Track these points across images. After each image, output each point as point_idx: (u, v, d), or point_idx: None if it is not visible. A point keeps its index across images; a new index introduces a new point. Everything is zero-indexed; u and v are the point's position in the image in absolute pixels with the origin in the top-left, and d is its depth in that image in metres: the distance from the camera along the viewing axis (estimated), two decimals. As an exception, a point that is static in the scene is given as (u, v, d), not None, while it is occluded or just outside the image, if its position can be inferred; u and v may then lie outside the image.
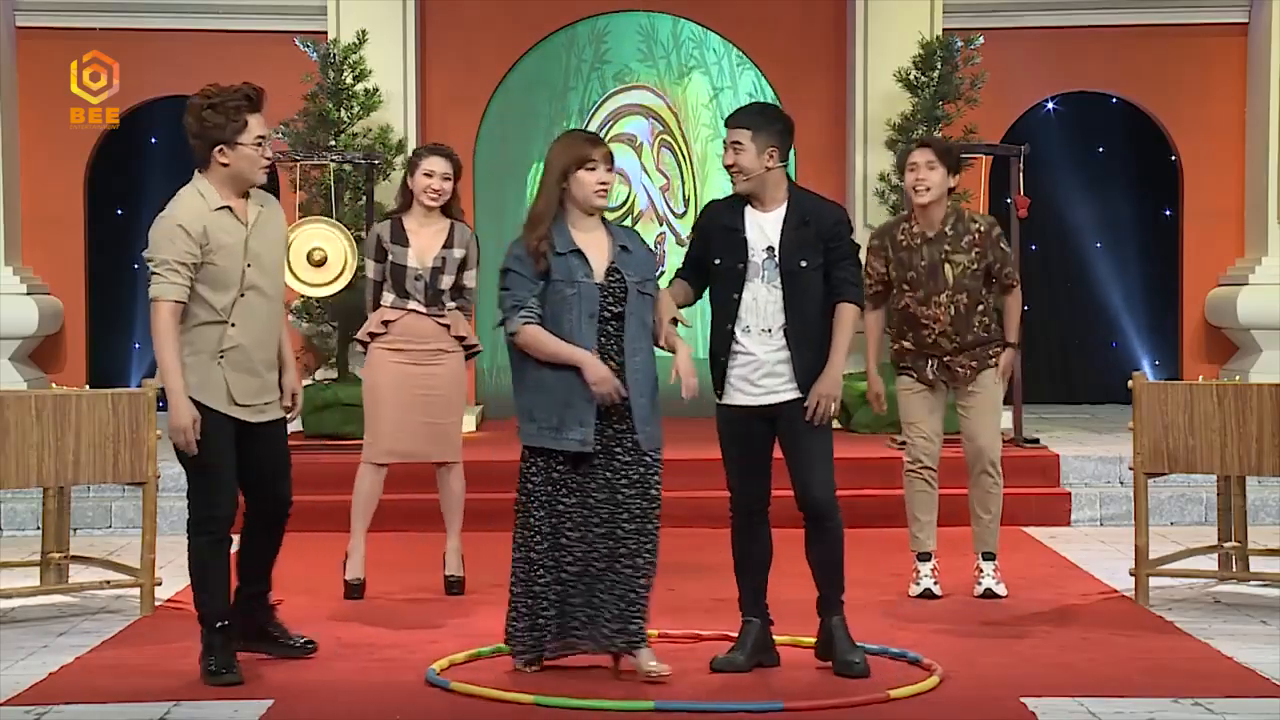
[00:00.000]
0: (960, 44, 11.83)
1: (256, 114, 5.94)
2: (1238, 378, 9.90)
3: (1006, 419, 10.06)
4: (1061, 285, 14.07)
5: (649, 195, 13.15)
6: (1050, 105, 13.58)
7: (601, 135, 13.06)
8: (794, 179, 6.26)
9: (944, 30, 11.97)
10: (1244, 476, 7.57)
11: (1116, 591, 7.60)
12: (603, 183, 5.97)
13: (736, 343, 6.04)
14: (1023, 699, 5.63)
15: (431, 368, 7.56)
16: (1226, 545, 7.78)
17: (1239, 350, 12.81)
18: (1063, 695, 5.70)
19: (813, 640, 6.33)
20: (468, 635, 6.63)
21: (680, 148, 13.12)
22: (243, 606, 6.17)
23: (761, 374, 6.04)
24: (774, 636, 6.20)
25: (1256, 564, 7.83)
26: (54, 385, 8.63)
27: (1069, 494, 9.85)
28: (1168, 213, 13.65)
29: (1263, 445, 7.06)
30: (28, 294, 12.19)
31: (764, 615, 6.16)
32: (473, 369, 12.86)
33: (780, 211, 6.08)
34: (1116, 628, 6.84)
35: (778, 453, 6.13)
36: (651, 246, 6.16)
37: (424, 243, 7.55)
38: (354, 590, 7.54)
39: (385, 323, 7.56)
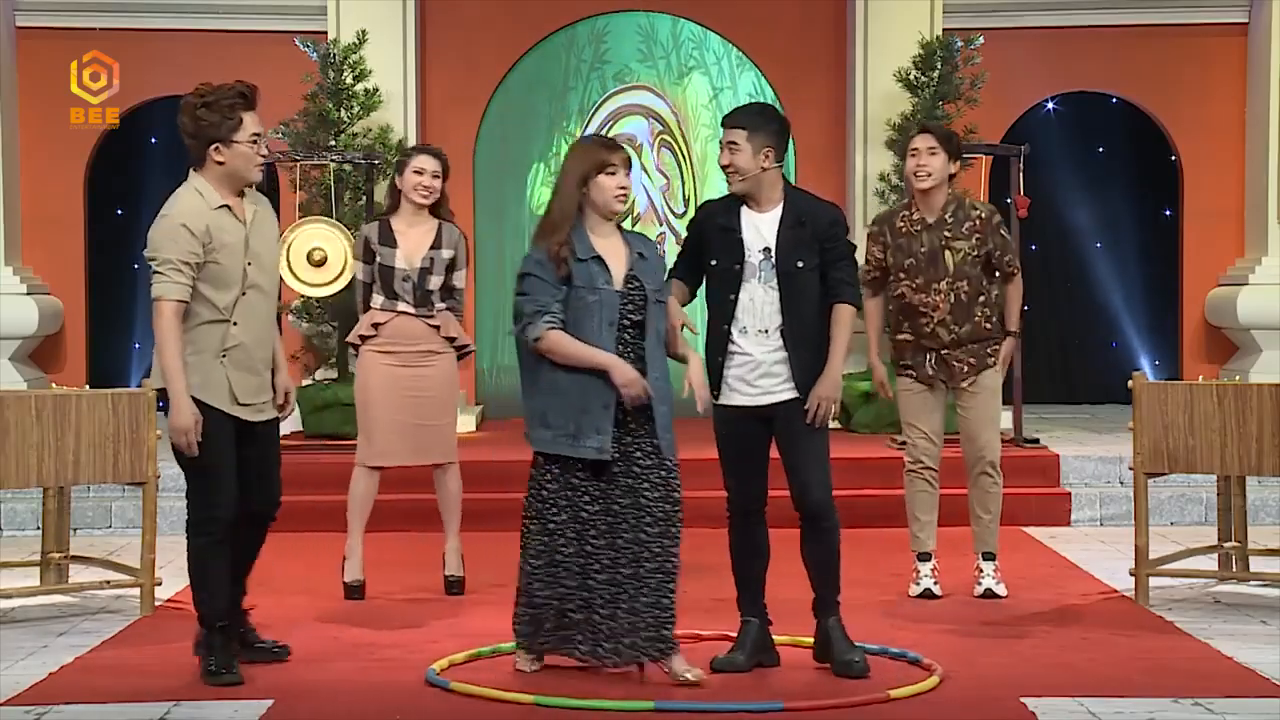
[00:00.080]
0: (960, 44, 11.83)
1: (251, 111, 5.94)
2: (1238, 378, 9.90)
3: (1006, 419, 10.06)
4: (1061, 285, 14.07)
5: (649, 196, 13.14)
6: (1050, 105, 13.58)
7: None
8: (794, 179, 6.28)
9: (944, 30, 11.97)
10: (1244, 476, 7.57)
11: (1116, 591, 7.60)
12: (622, 187, 5.93)
13: (733, 343, 6.04)
14: (1023, 699, 5.63)
15: (422, 369, 7.56)
16: (1226, 545, 7.78)
17: (1239, 350, 12.81)
18: (1063, 695, 5.70)
19: (813, 641, 6.34)
20: (468, 635, 6.63)
21: (680, 148, 13.12)
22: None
23: (758, 374, 6.04)
24: (773, 636, 6.20)
25: (1256, 564, 7.83)
26: (54, 385, 8.63)
27: (1069, 494, 9.85)
28: (1168, 213, 13.65)
29: (1263, 445, 7.06)
30: (28, 294, 12.19)
31: (762, 615, 6.16)
32: (472, 369, 12.88)
33: (776, 212, 6.07)
34: (1116, 628, 6.84)
35: (775, 453, 6.12)
36: (661, 252, 6.12)
37: (412, 244, 7.55)
38: (354, 591, 7.54)
39: (375, 325, 7.56)
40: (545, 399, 5.88)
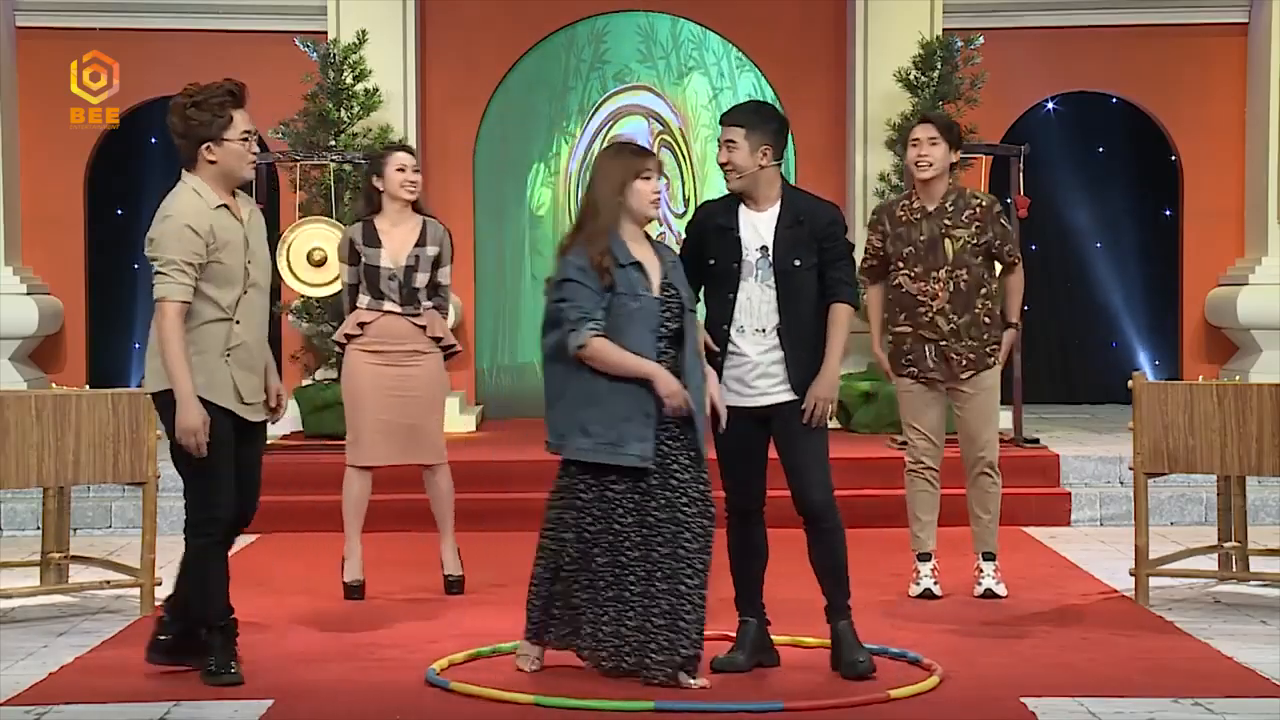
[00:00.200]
0: (960, 44, 11.83)
1: (241, 109, 5.93)
2: (1238, 378, 9.91)
3: (1006, 419, 10.06)
4: (1061, 285, 14.08)
5: (649, 195, 13.14)
6: (1050, 105, 13.59)
7: (600, 135, 13.13)
8: (794, 179, 6.28)
9: (944, 30, 11.97)
10: (1244, 476, 7.56)
11: (1116, 591, 7.60)
12: (656, 192, 5.92)
13: (731, 343, 6.04)
14: (1023, 699, 5.63)
15: (408, 369, 7.55)
16: (1226, 545, 7.78)
17: (1239, 350, 12.81)
18: (1063, 695, 5.70)
19: (812, 640, 6.35)
20: (468, 635, 6.63)
21: (680, 148, 13.12)
22: (180, 615, 6.04)
23: (755, 375, 6.04)
24: (773, 636, 6.20)
25: (1256, 564, 7.83)
26: (54, 385, 8.63)
27: (1069, 494, 9.85)
28: (1168, 213, 13.66)
29: (1263, 445, 7.06)
30: (28, 294, 12.19)
31: (760, 615, 6.16)
32: (472, 369, 12.89)
33: (774, 211, 6.07)
34: (1116, 628, 6.83)
35: (774, 453, 6.12)
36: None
37: (396, 242, 7.55)
38: (354, 591, 7.54)
39: (361, 324, 7.55)
40: (583, 408, 5.81)
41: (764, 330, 6.02)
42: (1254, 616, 7.11)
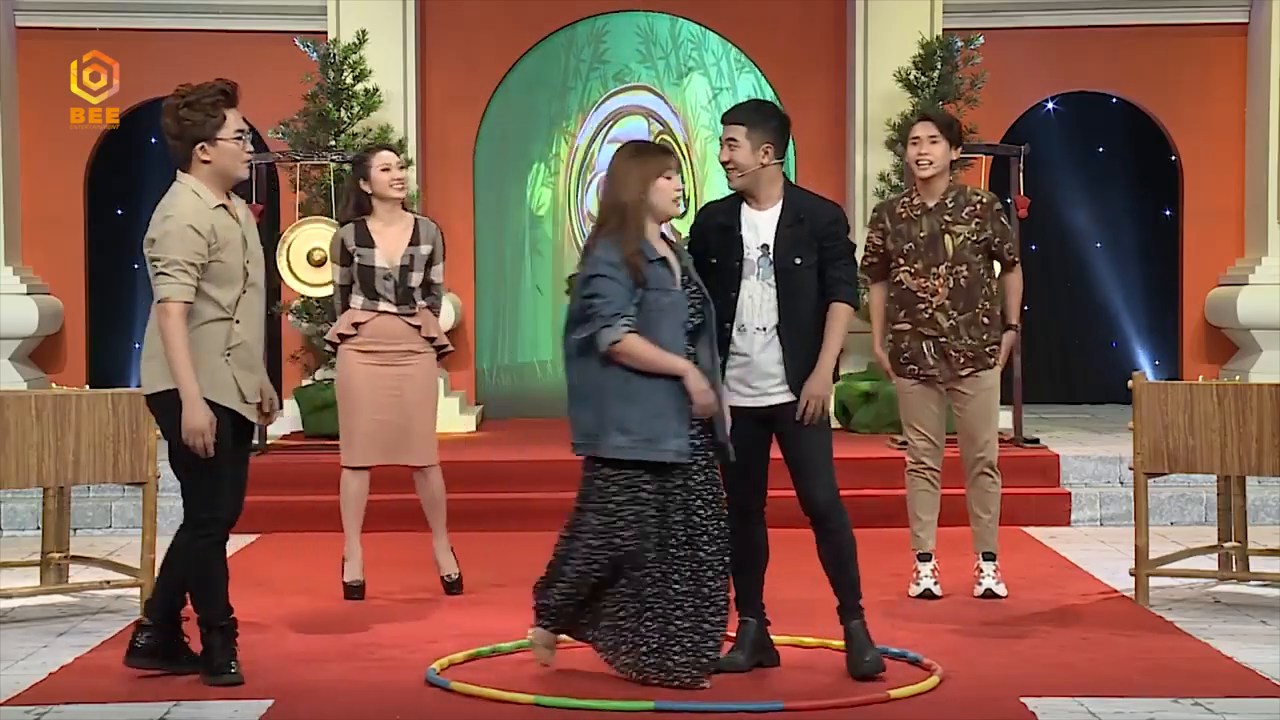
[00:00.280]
0: (960, 44, 11.83)
1: (233, 109, 5.93)
2: (1238, 378, 9.90)
3: (1006, 419, 10.06)
4: (1061, 285, 14.08)
5: (649, 195, 13.14)
6: (1050, 105, 13.59)
7: (600, 135, 13.14)
8: (794, 179, 6.28)
9: (944, 30, 11.97)
10: (1244, 476, 7.56)
11: (1116, 591, 7.60)
12: (679, 189, 5.94)
13: (732, 343, 6.04)
14: (1023, 699, 5.63)
15: (403, 368, 7.55)
16: (1226, 545, 7.78)
17: (1239, 350, 12.81)
18: (1063, 695, 5.70)
19: (812, 640, 6.36)
20: (468, 635, 6.63)
21: (680, 149, 13.12)
22: (170, 619, 6.03)
23: (756, 376, 6.04)
24: (773, 636, 6.19)
25: (1256, 564, 7.83)
26: (54, 385, 8.63)
27: (1069, 494, 9.85)
28: (1168, 213, 13.66)
29: (1263, 445, 7.06)
30: (28, 294, 12.19)
31: (760, 615, 6.15)
32: (472, 369, 12.89)
33: (775, 209, 6.08)
34: (1116, 628, 6.83)
35: (776, 453, 6.12)
36: None
37: (390, 242, 7.54)
38: (354, 591, 7.54)
39: (355, 324, 7.54)
40: (619, 405, 5.76)
41: (764, 329, 6.03)
42: (1254, 616, 7.11)
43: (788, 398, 6.03)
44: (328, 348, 7.86)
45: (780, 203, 6.08)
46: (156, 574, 6.14)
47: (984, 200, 7.44)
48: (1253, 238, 12.81)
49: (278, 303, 11.54)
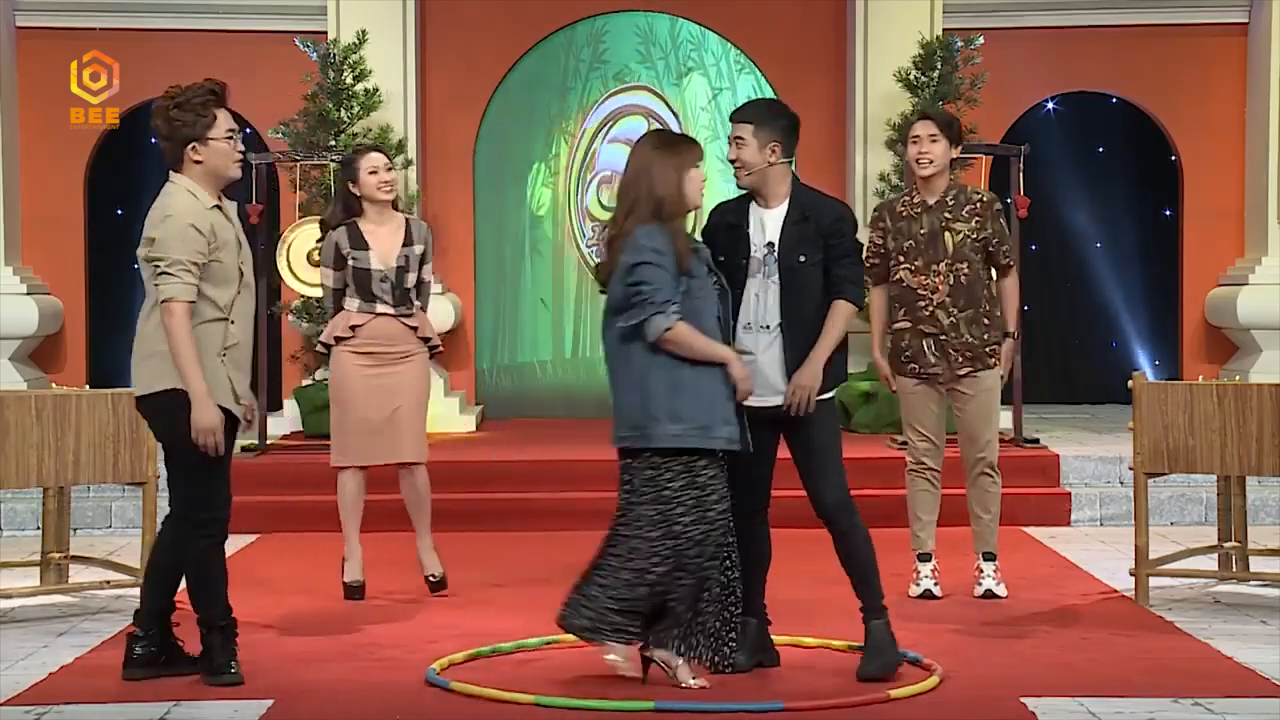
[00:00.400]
0: (960, 44, 11.84)
1: (223, 108, 5.94)
2: (1238, 378, 9.90)
3: (1006, 419, 10.06)
4: (1061, 285, 14.09)
5: (648, 195, 13.13)
6: (1050, 105, 13.59)
7: (600, 135, 13.14)
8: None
9: (944, 30, 11.98)
10: (1244, 476, 7.56)
11: (1116, 591, 7.60)
12: (704, 180, 5.94)
13: (739, 342, 6.04)
14: (1023, 699, 5.63)
15: (398, 368, 7.54)
16: (1226, 545, 7.78)
17: (1239, 350, 12.81)
18: (1063, 695, 5.69)
19: (812, 640, 6.36)
20: (468, 635, 6.63)
21: (680, 148, 13.11)
22: (162, 624, 6.01)
23: (762, 375, 6.03)
24: (773, 636, 6.19)
25: (1256, 564, 7.83)
26: (54, 385, 8.63)
27: (1069, 494, 9.85)
28: (1168, 213, 13.66)
29: (1263, 445, 7.06)
30: (28, 294, 12.19)
31: (761, 615, 6.15)
32: (472, 369, 12.89)
33: (783, 208, 6.09)
34: (1116, 628, 6.83)
35: (782, 452, 6.11)
36: None
37: (384, 244, 7.53)
38: (354, 591, 7.54)
39: (352, 326, 7.52)
40: (670, 394, 5.70)
41: (768, 326, 6.02)
42: (1254, 616, 7.11)
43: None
44: (320, 350, 7.83)
45: (788, 201, 6.09)
46: (142, 579, 6.12)
47: (984, 199, 7.44)
48: (1253, 238, 12.81)
49: (278, 303, 11.54)
